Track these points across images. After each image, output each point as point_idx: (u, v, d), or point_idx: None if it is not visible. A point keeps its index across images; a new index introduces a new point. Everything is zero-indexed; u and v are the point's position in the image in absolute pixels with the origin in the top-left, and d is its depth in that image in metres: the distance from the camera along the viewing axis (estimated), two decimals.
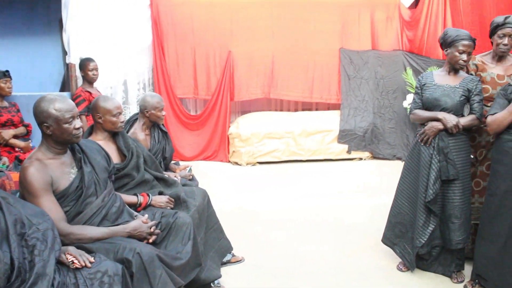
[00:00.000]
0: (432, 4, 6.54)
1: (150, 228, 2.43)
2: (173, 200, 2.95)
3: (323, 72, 6.79)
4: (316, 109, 7.28)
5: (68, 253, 2.00)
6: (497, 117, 2.81)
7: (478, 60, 3.36)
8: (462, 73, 3.21)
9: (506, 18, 3.14)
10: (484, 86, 3.26)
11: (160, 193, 2.96)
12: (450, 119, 3.02)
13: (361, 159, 6.64)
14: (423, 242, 3.11)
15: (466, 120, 3.07)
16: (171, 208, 2.87)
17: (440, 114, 3.06)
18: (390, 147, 6.62)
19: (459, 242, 3.09)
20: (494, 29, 3.19)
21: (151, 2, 6.36)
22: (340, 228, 4.12)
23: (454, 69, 3.14)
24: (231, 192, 5.21)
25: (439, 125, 3.06)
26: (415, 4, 6.92)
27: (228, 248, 3.34)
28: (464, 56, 3.05)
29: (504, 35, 3.14)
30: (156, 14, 6.42)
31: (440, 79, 3.19)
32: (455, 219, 3.08)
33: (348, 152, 6.56)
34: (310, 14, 6.72)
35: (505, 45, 3.15)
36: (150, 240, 2.42)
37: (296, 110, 7.29)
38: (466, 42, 3.03)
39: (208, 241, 3.12)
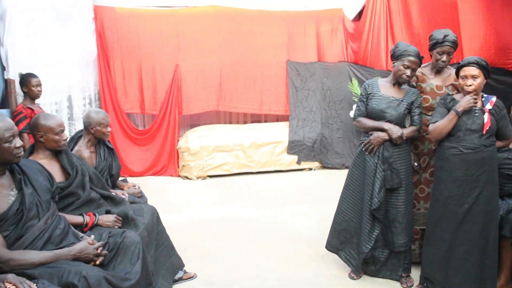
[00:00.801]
0: (374, 16, 6.79)
1: (97, 249, 2.37)
2: (120, 219, 2.88)
3: (271, 84, 6.88)
4: (265, 121, 7.37)
5: (7, 282, 1.91)
6: (438, 125, 2.96)
7: (418, 71, 3.50)
8: (405, 86, 3.33)
9: (445, 36, 3.28)
10: (424, 96, 3.41)
11: (107, 212, 2.88)
12: (395, 130, 3.14)
13: (310, 169, 6.74)
14: (370, 247, 3.22)
15: (408, 131, 3.21)
16: (119, 227, 2.80)
17: (386, 125, 3.18)
18: (338, 157, 6.77)
19: (401, 245, 3.22)
20: (434, 45, 3.34)
21: (95, 15, 6.24)
22: (291, 239, 4.16)
23: (398, 81, 3.26)
24: (181, 207, 5.15)
25: (384, 136, 3.17)
26: (358, 17, 7.16)
27: (180, 265, 3.30)
28: (408, 72, 3.16)
29: (443, 52, 3.31)
30: (100, 28, 6.31)
31: (385, 90, 3.29)
32: (398, 224, 3.21)
33: (298, 162, 6.64)
34: (257, 27, 6.83)
35: (443, 61, 3.33)
36: (97, 262, 2.35)
37: (245, 122, 7.36)
38: (412, 58, 3.13)
39: (158, 259, 3.06)
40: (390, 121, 3.20)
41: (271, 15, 6.86)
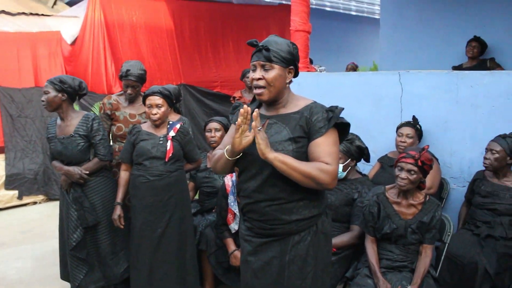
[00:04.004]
0: (93, 41, 6.87)
1: None
2: None
3: None
4: None
5: None
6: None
7: (113, 99, 3.73)
8: (77, 116, 3.33)
9: (127, 71, 3.56)
10: (118, 124, 3.63)
11: None
12: (73, 173, 3.20)
13: (35, 203, 6.50)
14: (77, 285, 3.23)
15: (90, 165, 3.27)
16: None
17: (64, 170, 3.23)
18: None
19: (124, 272, 3.38)
20: (120, 77, 3.65)
21: None
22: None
23: (59, 116, 3.33)
24: None
25: (67, 179, 3.23)
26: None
27: None
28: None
29: (128, 86, 3.64)
30: None
31: (59, 130, 3.32)
32: (112, 255, 3.32)
33: (19, 198, 6.32)
34: None
35: (129, 94, 3.70)
36: None
37: None
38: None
39: None
40: (69, 162, 3.24)
41: None
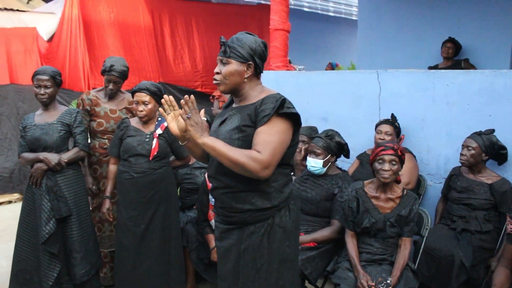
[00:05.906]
0: (70, 38, 6.75)
1: None
2: None
3: None
4: None
5: None
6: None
7: (92, 95, 3.68)
8: (61, 108, 3.35)
9: (111, 66, 3.53)
10: (98, 120, 3.59)
11: None
12: (52, 158, 3.10)
13: (10, 202, 6.37)
14: (51, 284, 3.12)
15: (70, 154, 3.20)
16: None
17: (41, 155, 3.12)
18: None
19: (83, 274, 3.25)
20: (103, 72, 3.60)
21: None
22: None
23: (45, 105, 3.27)
24: None
25: (43, 166, 3.11)
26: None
27: None
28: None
29: (110, 81, 3.60)
30: None
31: (39, 118, 3.26)
32: (76, 254, 3.21)
33: None
34: None
35: (110, 89, 3.64)
36: None
37: None
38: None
39: None
40: (48, 148, 3.15)
41: None
